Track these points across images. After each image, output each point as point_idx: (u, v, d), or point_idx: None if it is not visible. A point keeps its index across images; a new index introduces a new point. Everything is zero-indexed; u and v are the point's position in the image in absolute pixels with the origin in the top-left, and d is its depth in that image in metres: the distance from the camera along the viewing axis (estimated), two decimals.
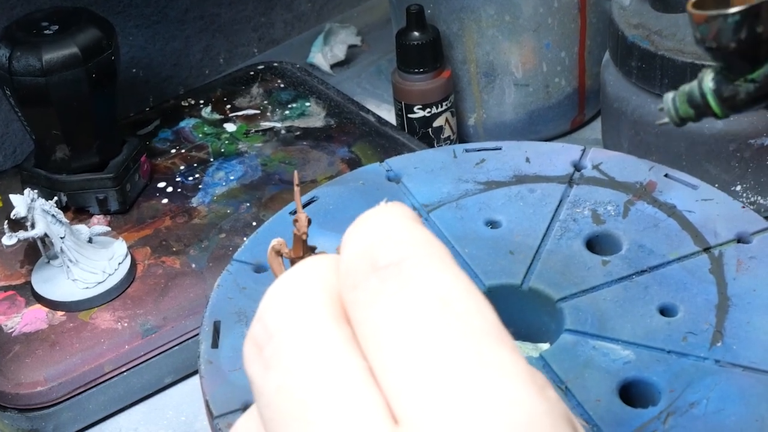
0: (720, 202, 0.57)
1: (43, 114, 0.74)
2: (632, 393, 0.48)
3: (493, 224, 0.58)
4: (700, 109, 0.45)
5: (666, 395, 0.47)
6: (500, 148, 0.63)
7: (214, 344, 0.52)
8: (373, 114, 0.87)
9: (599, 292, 0.52)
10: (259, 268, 0.55)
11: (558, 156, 0.62)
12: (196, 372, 0.71)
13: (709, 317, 0.50)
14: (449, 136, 0.87)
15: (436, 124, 0.86)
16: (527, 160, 0.61)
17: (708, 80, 0.44)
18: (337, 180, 0.61)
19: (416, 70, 0.84)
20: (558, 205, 0.58)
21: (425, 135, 0.86)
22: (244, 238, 0.70)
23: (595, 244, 0.56)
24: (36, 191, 0.69)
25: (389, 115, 0.93)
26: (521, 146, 0.63)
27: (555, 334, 0.52)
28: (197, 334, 0.64)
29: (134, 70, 0.99)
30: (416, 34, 0.84)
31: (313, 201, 0.60)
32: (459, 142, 0.89)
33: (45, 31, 0.74)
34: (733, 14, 0.40)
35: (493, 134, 0.89)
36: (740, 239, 0.55)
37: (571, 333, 0.50)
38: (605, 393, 0.47)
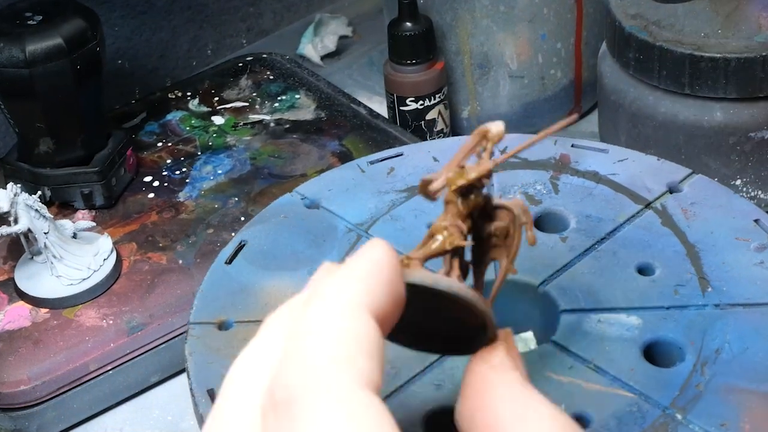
0: (635, 159, 0.59)
1: (26, 106, 0.73)
2: (655, 354, 0.48)
3: None
4: None
5: (689, 349, 0.47)
6: (402, 154, 0.62)
7: None
8: (365, 106, 0.86)
9: (574, 268, 0.53)
10: (222, 326, 0.53)
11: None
12: (182, 371, 0.69)
13: (686, 267, 0.52)
14: (442, 129, 0.86)
15: (429, 116, 0.85)
16: (435, 159, 0.61)
17: None
18: (257, 219, 0.59)
19: (409, 62, 0.83)
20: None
21: (418, 128, 0.85)
22: (233, 234, 0.69)
23: (543, 224, 0.57)
24: (19, 185, 0.69)
25: (381, 107, 0.92)
26: (422, 147, 0.63)
27: (541, 319, 0.52)
28: (184, 332, 0.63)
29: (120, 62, 0.98)
30: (409, 24, 0.82)
31: (242, 245, 0.57)
32: (453, 135, 0.87)
33: (28, 22, 0.73)
34: None
35: None
36: (671, 189, 0.57)
37: (570, 313, 0.50)
38: (634, 361, 0.47)
